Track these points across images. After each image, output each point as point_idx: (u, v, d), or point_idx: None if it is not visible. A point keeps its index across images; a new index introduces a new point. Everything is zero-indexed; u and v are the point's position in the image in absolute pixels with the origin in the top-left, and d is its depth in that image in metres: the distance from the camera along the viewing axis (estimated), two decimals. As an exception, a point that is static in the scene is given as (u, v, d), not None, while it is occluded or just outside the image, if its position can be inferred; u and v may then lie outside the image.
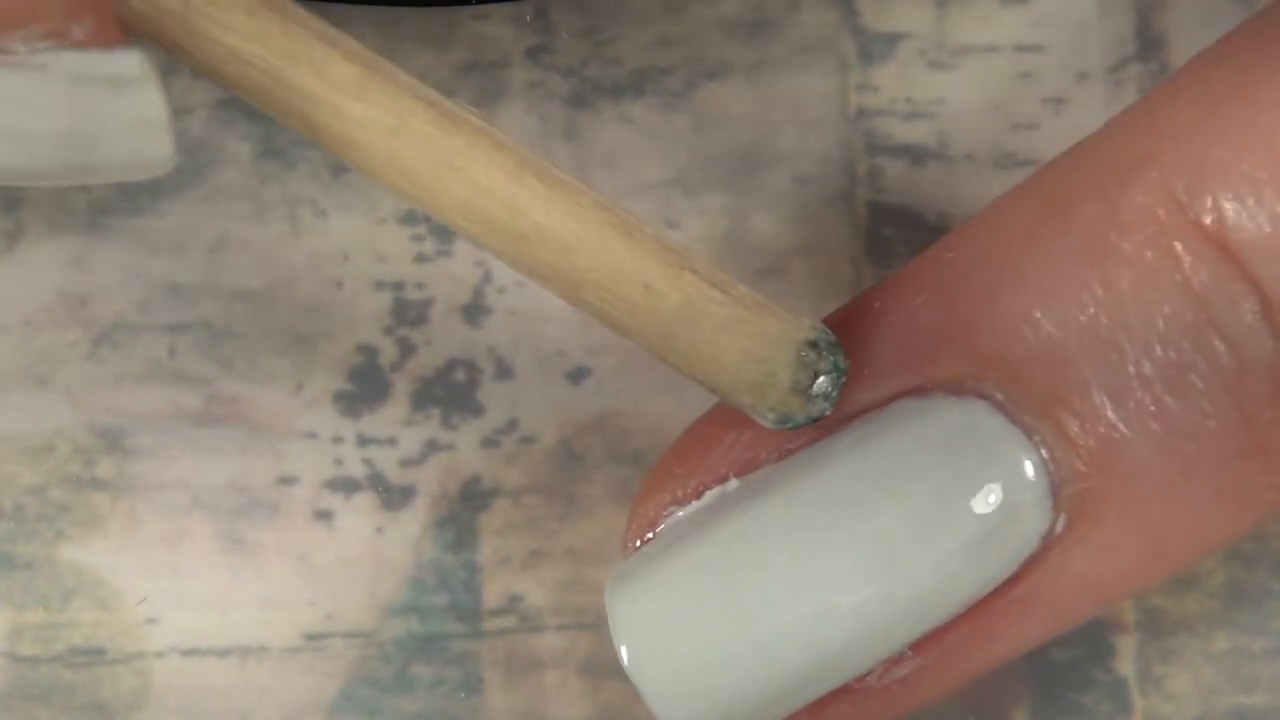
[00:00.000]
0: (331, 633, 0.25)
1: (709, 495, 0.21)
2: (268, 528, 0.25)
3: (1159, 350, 0.20)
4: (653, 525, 0.21)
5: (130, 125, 0.18)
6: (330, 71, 0.19)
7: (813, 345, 0.20)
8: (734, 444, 0.21)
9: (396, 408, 0.25)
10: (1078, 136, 0.21)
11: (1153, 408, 0.20)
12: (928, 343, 0.20)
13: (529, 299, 0.25)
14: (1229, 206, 0.19)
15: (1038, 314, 0.20)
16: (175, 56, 0.19)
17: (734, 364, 0.20)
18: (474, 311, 0.25)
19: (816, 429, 0.21)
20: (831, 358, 0.20)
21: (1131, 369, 0.20)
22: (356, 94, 0.19)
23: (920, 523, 0.20)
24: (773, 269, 0.25)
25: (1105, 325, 0.20)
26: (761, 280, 0.25)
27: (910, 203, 0.25)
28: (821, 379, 0.20)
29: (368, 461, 0.25)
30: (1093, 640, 0.25)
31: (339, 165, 0.25)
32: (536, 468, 0.25)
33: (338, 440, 0.25)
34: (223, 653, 0.24)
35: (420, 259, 0.25)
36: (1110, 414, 0.20)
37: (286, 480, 0.25)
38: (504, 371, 0.25)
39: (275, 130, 0.25)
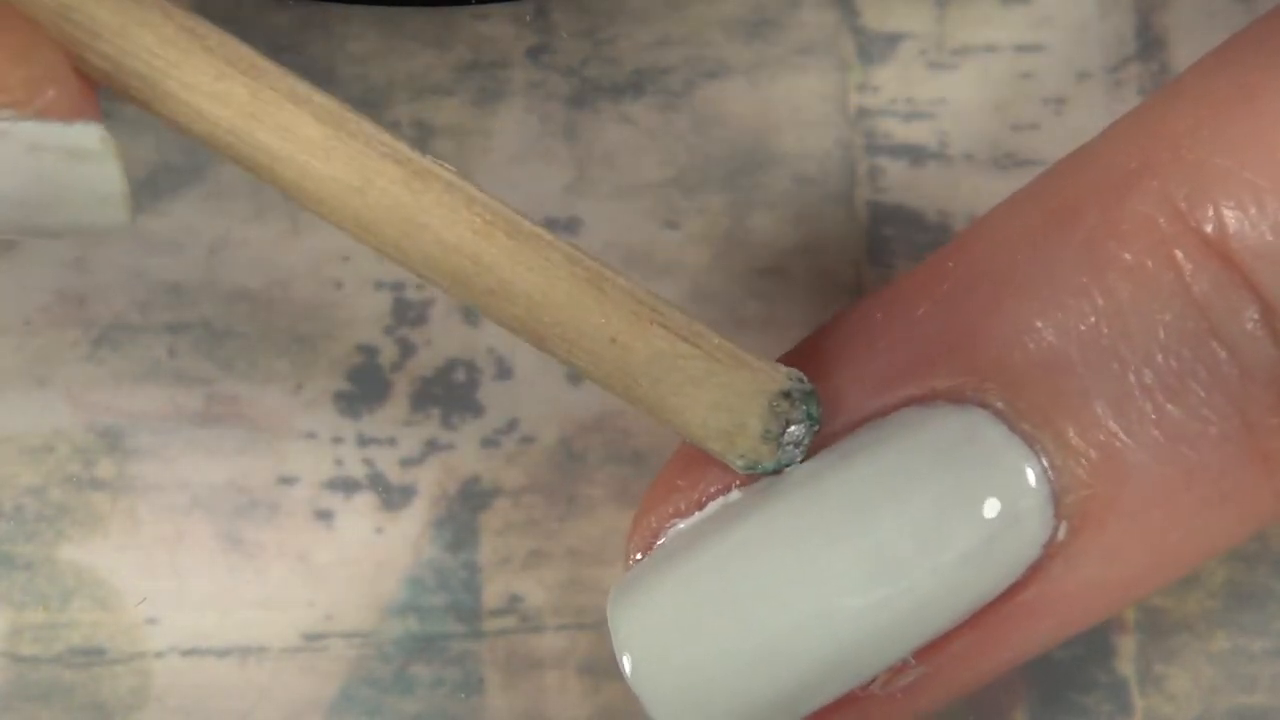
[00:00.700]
0: (331, 633, 0.25)
1: (711, 506, 0.21)
2: (268, 528, 0.25)
3: (1160, 358, 0.20)
4: (655, 537, 0.21)
5: (86, 194, 0.19)
6: (296, 131, 0.19)
7: (786, 395, 0.20)
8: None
9: (396, 408, 0.25)
10: (1078, 136, 0.21)
11: (1154, 415, 0.20)
12: (929, 352, 0.20)
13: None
14: (1230, 215, 0.19)
15: (1038, 323, 0.20)
16: (144, 110, 0.19)
17: (702, 414, 0.20)
18: (474, 312, 0.25)
19: (819, 439, 0.21)
20: (805, 407, 0.20)
21: (1132, 377, 0.20)
22: (322, 154, 0.19)
23: (921, 531, 0.20)
24: (773, 269, 0.25)
25: (1106, 334, 0.20)
26: (761, 280, 0.25)
27: (910, 203, 0.25)
28: (793, 428, 0.20)
29: (368, 461, 0.25)
30: (1093, 640, 0.25)
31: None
32: (536, 468, 0.25)
33: (338, 440, 0.25)
34: (223, 653, 0.24)
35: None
36: (1111, 422, 0.20)
37: (286, 480, 0.25)
38: (504, 371, 0.25)
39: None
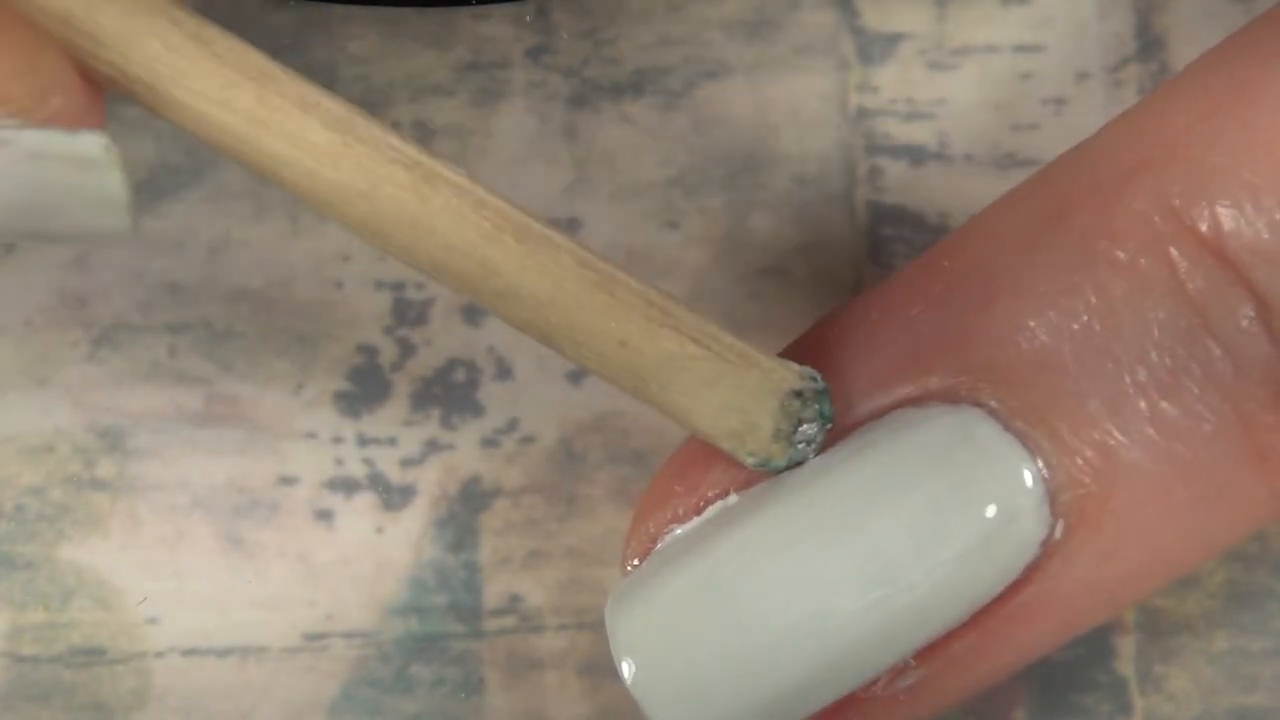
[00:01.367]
0: (331, 633, 0.25)
1: (709, 510, 0.21)
2: (268, 528, 0.25)
3: (1154, 356, 0.20)
4: (653, 543, 0.21)
5: (89, 202, 0.19)
6: (304, 137, 0.19)
7: (798, 394, 0.20)
8: (733, 460, 0.21)
9: (396, 408, 0.25)
10: (1078, 136, 0.21)
11: (1148, 413, 0.20)
12: (923, 353, 0.20)
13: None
14: (1225, 213, 0.19)
15: (1031, 323, 0.20)
16: (151, 113, 0.19)
17: (713, 414, 0.20)
18: (474, 311, 0.25)
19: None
20: (817, 405, 0.20)
21: (1126, 375, 0.20)
22: (330, 160, 0.19)
23: (918, 533, 0.20)
24: (773, 269, 0.25)
25: (1099, 332, 0.20)
26: (761, 280, 0.25)
27: (910, 203, 0.25)
28: (806, 426, 0.20)
29: (368, 461, 0.25)
30: (1093, 640, 0.25)
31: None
32: (536, 468, 0.25)
33: (338, 440, 0.25)
34: (223, 653, 0.24)
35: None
36: (1106, 421, 0.20)
37: (286, 480, 0.25)
38: (504, 371, 0.25)
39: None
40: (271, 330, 0.25)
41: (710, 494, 0.21)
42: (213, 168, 0.25)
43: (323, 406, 0.25)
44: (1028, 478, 0.20)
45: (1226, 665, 0.25)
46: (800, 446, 0.20)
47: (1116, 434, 0.20)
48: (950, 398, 0.20)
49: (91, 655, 0.24)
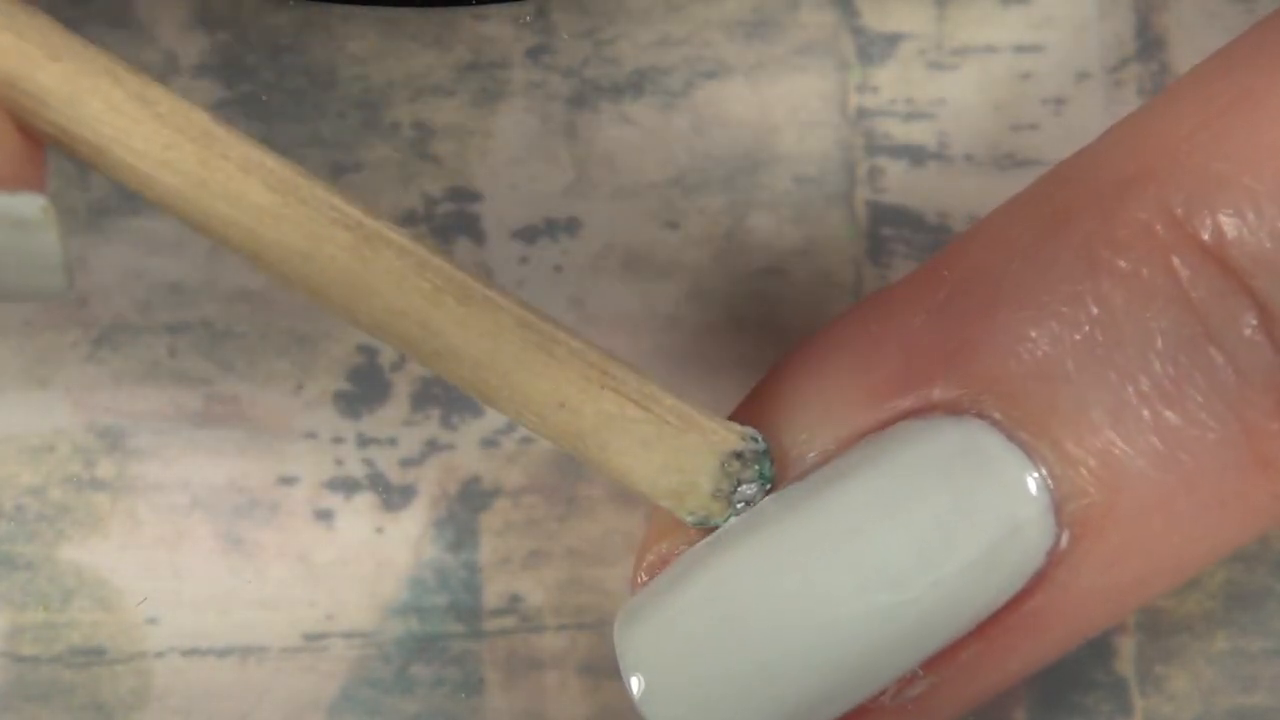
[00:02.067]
0: (331, 633, 0.25)
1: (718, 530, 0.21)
2: (268, 528, 0.25)
3: (1157, 365, 0.20)
4: (665, 562, 0.21)
5: (25, 262, 0.19)
6: (246, 199, 0.19)
7: (738, 455, 0.20)
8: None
9: (396, 408, 0.25)
10: (1078, 136, 0.21)
11: (1152, 423, 0.20)
12: (926, 365, 0.20)
13: (529, 299, 0.25)
14: (1228, 221, 0.19)
15: (1034, 333, 0.20)
16: (93, 170, 0.19)
17: (652, 474, 0.20)
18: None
19: (820, 456, 0.21)
20: (756, 466, 0.20)
21: (1129, 385, 0.20)
22: (271, 221, 0.19)
23: (923, 545, 0.20)
24: (773, 269, 0.25)
25: (1101, 342, 0.20)
26: (761, 280, 0.25)
27: (910, 203, 0.25)
28: (744, 486, 0.20)
29: (368, 461, 0.25)
30: (1093, 640, 0.25)
31: (339, 165, 0.25)
32: (536, 468, 0.25)
33: (338, 440, 0.25)
34: (223, 653, 0.24)
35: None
36: (1109, 430, 0.20)
37: (286, 480, 0.25)
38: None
39: (275, 131, 0.25)
40: (271, 330, 0.25)
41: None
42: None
43: (323, 406, 0.25)
44: (1032, 488, 0.20)
45: (1226, 665, 0.25)
46: (740, 506, 0.21)
47: (1120, 444, 0.20)
48: (953, 409, 0.20)
49: (91, 655, 0.24)
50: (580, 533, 0.25)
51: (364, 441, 0.25)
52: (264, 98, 0.25)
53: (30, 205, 0.19)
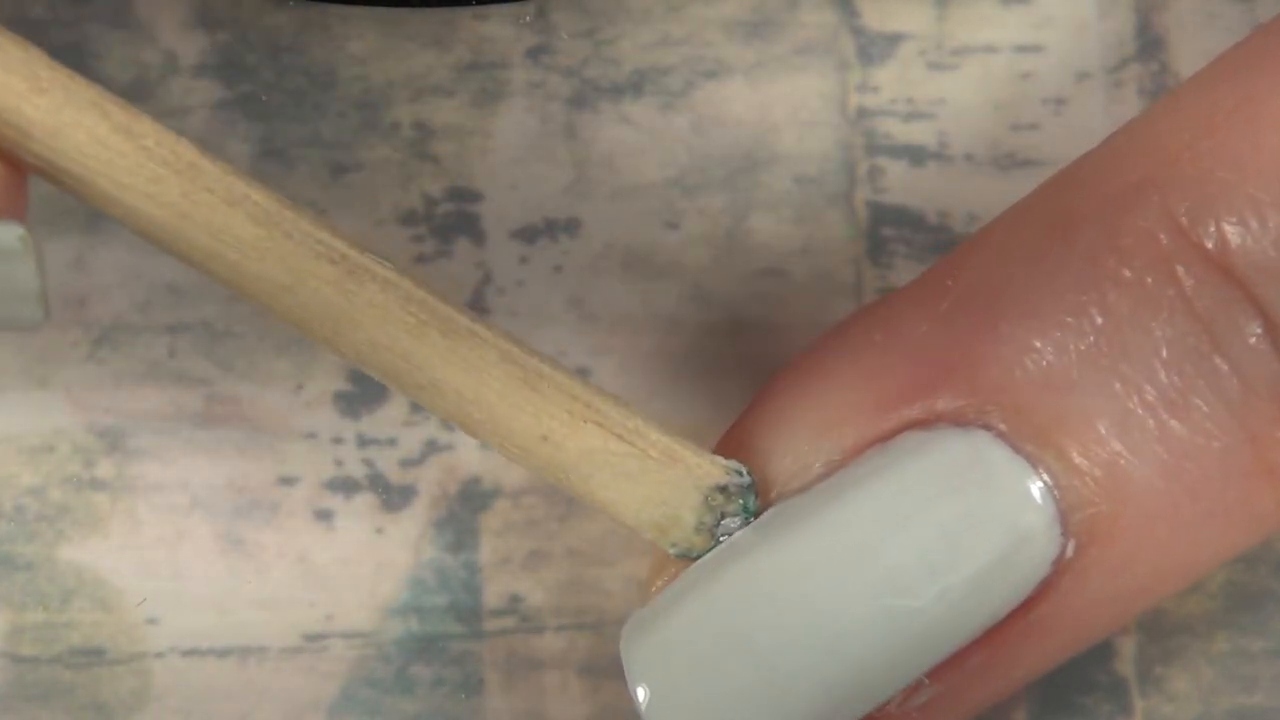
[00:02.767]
0: (331, 633, 0.25)
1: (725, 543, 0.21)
2: (268, 528, 0.25)
3: (1161, 374, 0.20)
4: (675, 575, 0.21)
5: (2, 291, 0.19)
6: (230, 232, 0.20)
7: (722, 489, 0.20)
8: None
9: (396, 408, 0.25)
10: (1078, 136, 0.21)
11: (1157, 432, 0.20)
12: (930, 375, 0.20)
13: (529, 300, 0.25)
14: (1231, 229, 0.19)
15: (1038, 343, 0.20)
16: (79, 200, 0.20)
17: (636, 507, 0.20)
18: (474, 311, 0.25)
19: (824, 466, 0.21)
20: (740, 500, 0.21)
21: (1134, 395, 0.20)
22: (255, 255, 0.20)
23: (930, 556, 0.20)
24: (773, 269, 0.25)
25: (1106, 352, 0.20)
26: (761, 280, 0.25)
27: (910, 203, 0.25)
28: (728, 520, 0.20)
29: (368, 462, 0.25)
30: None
31: (339, 165, 0.25)
32: (536, 468, 0.25)
33: (338, 440, 0.25)
34: (223, 653, 0.24)
35: (420, 259, 0.25)
36: (1115, 440, 0.20)
37: (286, 480, 0.25)
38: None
39: (275, 130, 0.25)
40: (271, 330, 0.25)
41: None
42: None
43: (323, 406, 0.25)
44: (1038, 499, 0.20)
45: (1226, 666, 0.25)
46: (723, 539, 0.21)
47: (1126, 453, 0.20)
48: (959, 420, 0.20)
49: (91, 655, 0.24)
50: (580, 533, 0.25)
51: (364, 442, 0.25)
52: (264, 98, 0.25)
53: (9, 234, 0.19)
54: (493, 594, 0.25)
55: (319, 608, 0.25)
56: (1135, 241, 0.20)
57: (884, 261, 0.25)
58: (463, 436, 0.25)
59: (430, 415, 0.25)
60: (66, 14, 0.25)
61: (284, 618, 0.25)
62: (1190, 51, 0.25)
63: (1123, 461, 0.20)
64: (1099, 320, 0.20)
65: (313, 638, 0.24)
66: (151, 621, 0.24)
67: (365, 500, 0.25)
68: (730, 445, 0.21)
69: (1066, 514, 0.20)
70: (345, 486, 0.25)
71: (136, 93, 0.25)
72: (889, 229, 0.25)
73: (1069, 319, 0.20)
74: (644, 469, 0.20)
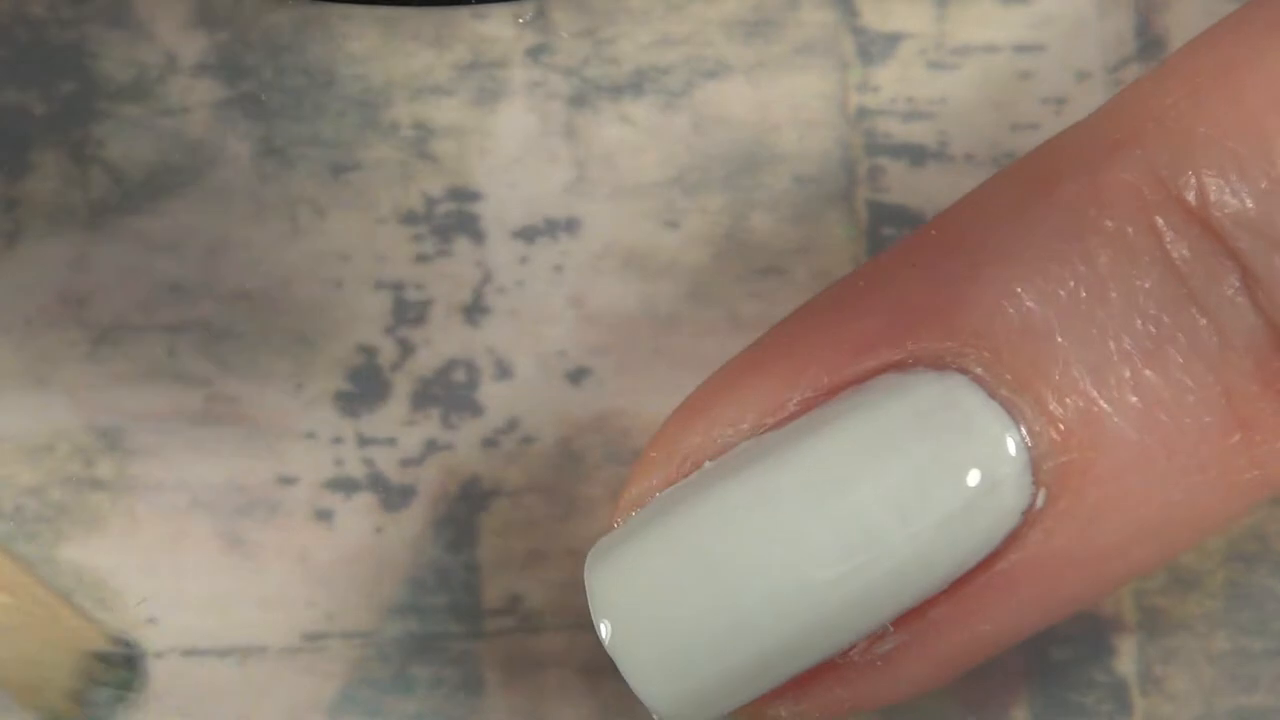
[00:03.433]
0: (331, 633, 0.25)
1: (693, 473, 0.21)
2: (268, 528, 0.25)
3: (1139, 324, 0.20)
4: (641, 504, 0.21)
5: None
6: None
7: (100, 657, 0.20)
8: (715, 424, 0.21)
9: (396, 408, 0.25)
10: (1078, 137, 0.21)
11: (1133, 382, 0.20)
12: (910, 318, 0.21)
13: (529, 299, 0.25)
14: (1212, 183, 0.20)
15: (1018, 289, 0.20)
16: None
17: (9, 663, 0.20)
18: (474, 311, 0.25)
19: (799, 405, 0.21)
20: (120, 671, 0.20)
21: (1111, 344, 0.20)
22: None
23: (899, 498, 0.20)
24: (773, 269, 0.25)
25: (1085, 300, 0.20)
26: (761, 280, 0.25)
27: (910, 203, 0.25)
28: (101, 689, 0.20)
29: (368, 461, 0.25)
30: (1093, 640, 0.25)
31: (339, 165, 0.25)
32: (536, 468, 0.25)
33: (338, 440, 0.25)
34: (223, 653, 0.24)
35: (420, 259, 0.25)
36: (1090, 388, 0.20)
37: (286, 480, 0.25)
38: (504, 371, 0.25)
39: (275, 130, 0.25)
40: (271, 330, 0.25)
41: (691, 461, 0.21)
42: (212, 168, 0.25)
43: (323, 406, 0.25)
44: (1011, 445, 0.20)
45: (1226, 665, 0.25)
46: (96, 707, 0.20)
47: (1100, 402, 0.20)
48: (935, 364, 0.20)
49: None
50: (580, 533, 0.25)
51: (364, 441, 0.25)
52: (264, 97, 0.25)
53: None
54: (492, 594, 0.25)
55: (319, 608, 0.25)
56: (1116, 193, 0.20)
57: (884, 261, 0.25)
58: (463, 436, 0.25)
59: (430, 415, 0.25)
60: (66, 14, 0.25)
61: (284, 618, 0.25)
62: (1190, 51, 0.25)
63: (1096, 410, 0.20)
64: (1080, 268, 0.20)
65: (312, 637, 0.24)
66: (151, 621, 0.24)
67: (365, 500, 0.25)
68: (714, 388, 0.21)
69: (1038, 462, 0.20)
70: (345, 486, 0.25)
71: (137, 93, 0.25)
72: (889, 229, 0.25)
73: (1050, 266, 0.20)
74: (23, 624, 0.20)
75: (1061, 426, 0.20)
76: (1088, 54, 0.25)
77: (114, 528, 0.25)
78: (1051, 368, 0.20)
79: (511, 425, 0.25)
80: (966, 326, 0.20)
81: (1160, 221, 0.20)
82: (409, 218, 0.25)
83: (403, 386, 0.25)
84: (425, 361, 0.25)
